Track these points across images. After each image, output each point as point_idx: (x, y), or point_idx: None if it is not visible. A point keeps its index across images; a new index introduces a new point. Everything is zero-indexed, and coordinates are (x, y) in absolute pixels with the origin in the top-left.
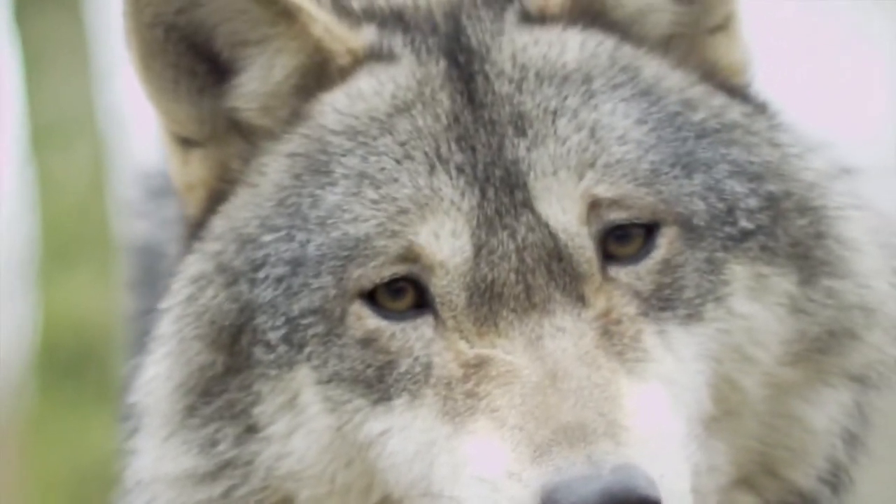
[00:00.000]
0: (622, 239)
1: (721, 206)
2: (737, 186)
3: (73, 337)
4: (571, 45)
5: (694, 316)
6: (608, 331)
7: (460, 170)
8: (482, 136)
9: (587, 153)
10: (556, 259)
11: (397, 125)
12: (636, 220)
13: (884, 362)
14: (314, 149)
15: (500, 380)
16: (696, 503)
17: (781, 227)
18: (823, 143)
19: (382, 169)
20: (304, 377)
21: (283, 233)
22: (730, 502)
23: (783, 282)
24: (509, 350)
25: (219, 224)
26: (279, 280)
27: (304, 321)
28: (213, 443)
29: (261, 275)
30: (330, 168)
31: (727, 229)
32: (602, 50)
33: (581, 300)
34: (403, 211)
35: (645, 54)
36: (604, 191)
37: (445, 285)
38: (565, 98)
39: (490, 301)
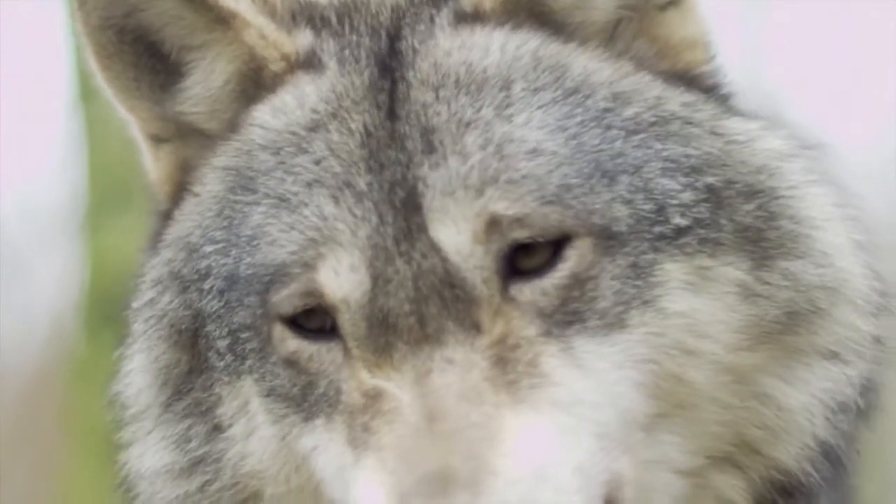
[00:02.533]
0: (529, 253)
1: (649, 206)
2: (670, 183)
3: (120, 283)
4: (493, 49)
5: (615, 325)
6: (503, 358)
7: (364, 193)
8: (392, 152)
9: (490, 170)
10: (450, 285)
11: (314, 142)
12: (539, 239)
13: (854, 338)
14: (243, 164)
15: (388, 416)
16: (642, 496)
17: (725, 216)
18: (780, 123)
19: (296, 192)
20: (249, 387)
21: (220, 245)
22: (709, 482)
23: (731, 271)
24: (400, 384)
25: (171, 230)
26: (221, 292)
27: (243, 335)
28: (187, 439)
29: (206, 285)
30: (255, 186)
31: (657, 229)
32: (525, 51)
33: (476, 327)
34: (311, 241)
35: (576, 48)
36: (504, 208)
37: (348, 318)
38: (479, 109)
39: (387, 332)
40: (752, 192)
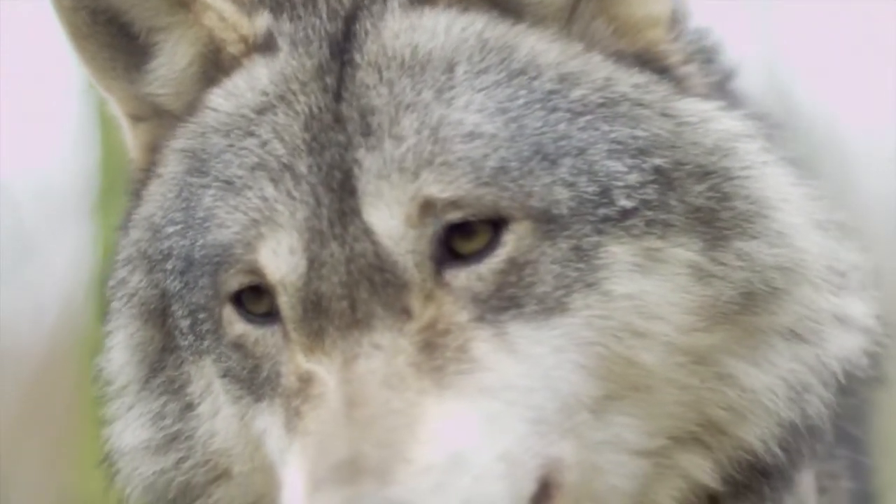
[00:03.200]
0: (467, 237)
1: (592, 188)
2: (615, 165)
3: None
4: (439, 30)
5: (555, 309)
6: (431, 344)
7: (303, 176)
8: (334, 134)
9: (424, 153)
10: (380, 270)
11: (261, 125)
12: (471, 219)
13: (814, 317)
14: (198, 146)
15: (315, 402)
16: (592, 477)
17: (675, 197)
18: (739, 103)
19: (241, 175)
20: (210, 367)
21: (179, 227)
22: (674, 462)
23: (682, 252)
24: (329, 369)
25: (139, 210)
26: (181, 273)
27: (199, 316)
28: (162, 416)
29: (168, 266)
30: (207, 168)
31: (601, 211)
32: (471, 32)
33: (405, 312)
34: (253, 222)
35: (526, 30)
36: (438, 191)
37: (286, 300)
38: (420, 91)
39: (320, 316)
40: (703, 174)
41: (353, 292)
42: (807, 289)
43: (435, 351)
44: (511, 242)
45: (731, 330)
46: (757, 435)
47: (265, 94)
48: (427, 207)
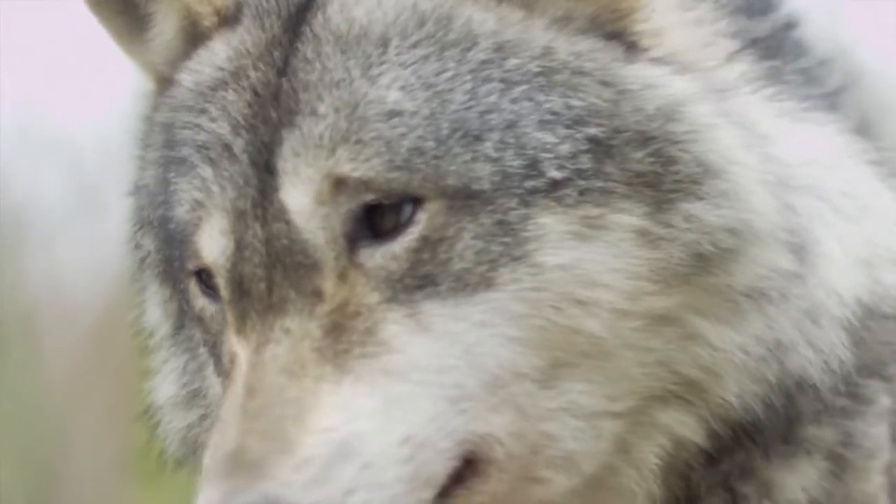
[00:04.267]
0: (384, 214)
1: (518, 162)
2: (546, 137)
3: None
4: (377, 4)
5: (479, 284)
6: (339, 326)
7: (238, 155)
8: (271, 111)
9: (342, 131)
10: (294, 251)
11: (213, 102)
12: (385, 201)
13: (773, 276)
14: (170, 120)
15: (230, 386)
16: (548, 446)
17: (613, 165)
18: (793, 52)
19: (191, 154)
20: (200, 334)
21: (161, 198)
22: (654, 420)
23: (625, 217)
24: (245, 354)
25: (141, 175)
26: (167, 242)
27: (181, 286)
28: (185, 373)
29: (162, 233)
30: (174, 144)
31: (529, 183)
32: (408, 5)
33: (317, 294)
34: (197, 203)
35: None
36: (350, 170)
37: (219, 282)
38: (349, 68)
39: (244, 298)
40: (644, 140)
41: (271, 274)
42: (760, 248)
43: (342, 334)
44: (424, 221)
45: (690, 291)
46: (734, 392)
47: (221, 69)
48: (339, 185)
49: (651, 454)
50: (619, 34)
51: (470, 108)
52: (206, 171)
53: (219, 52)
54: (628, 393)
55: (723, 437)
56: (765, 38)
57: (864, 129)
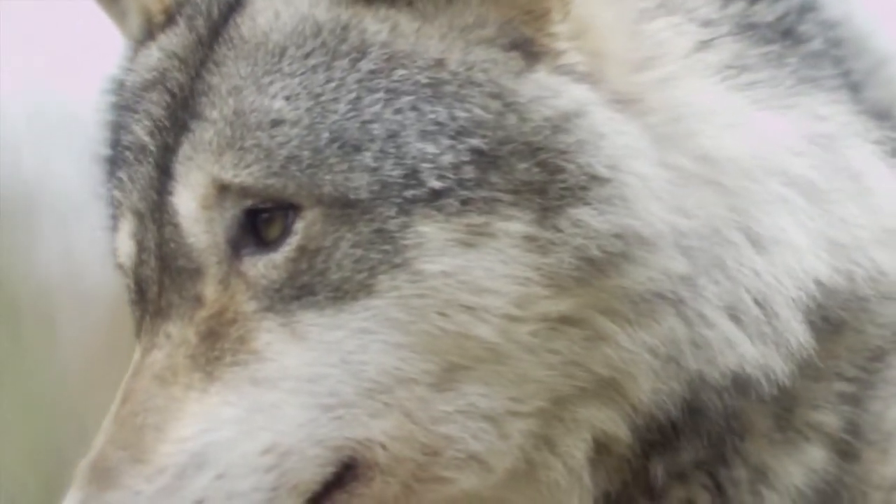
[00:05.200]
0: (268, 223)
1: (398, 171)
2: (428, 147)
3: None
4: (282, 12)
5: (358, 292)
6: (214, 333)
7: (147, 158)
8: (181, 114)
9: (227, 137)
10: (180, 255)
11: (141, 103)
12: (262, 206)
13: (665, 279)
14: (111, 119)
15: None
16: (447, 447)
17: (498, 175)
18: (803, 37)
19: (117, 155)
20: None
21: (107, 199)
22: (575, 417)
23: (511, 224)
24: (135, 358)
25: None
26: None
27: None
28: None
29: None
30: (113, 143)
31: (409, 193)
32: (308, 15)
33: (198, 300)
34: (118, 203)
35: (363, 9)
36: (232, 176)
37: (127, 283)
38: (247, 75)
39: (142, 301)
40: (530, 151)
41: (162, 278)
42: (648, 253)
43: (216, 342)
44: (301, 230)
45: (591, 294)
46: (648, 391)
47: (152, 70)
48: (223, 191)
49: (575, 448)
50: (525, 42)
51: (352, 118)
52: (124, 173)
53: (153, 53)
54: (535, 393)
55: (660, 430)
56: (767, 23)
57: (886, 109)
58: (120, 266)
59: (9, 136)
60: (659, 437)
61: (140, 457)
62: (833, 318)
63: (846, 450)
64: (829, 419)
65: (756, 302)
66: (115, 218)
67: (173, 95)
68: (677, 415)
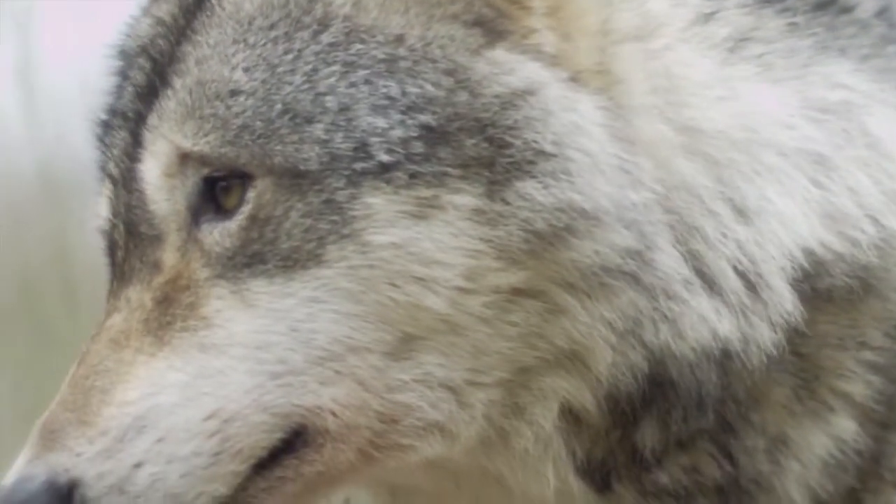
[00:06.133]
0: (226, 192)
1: (347, 144)
2: (378, 121)
3: None
4: None
5: (308, 261)
6: (168, 299)
7: (125, 124)
8: (156, 82)
9: (187, 107)
10: (143, 220)
11: (131, 69)
12: (216, 174)
13: (611, 254)
14: (109, 85)
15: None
16: (406, 415)
17: (446, 150)
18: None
19: (107, 120)
20: None
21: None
22: (541, 386)
23: (459, 197)
24: (99, 321)
25: None
26: None
27: None
28: None
29: None
30: (106, 108)
31: (358, 165)
32: None
33: (157, 266)
34: (101, 167)
35: None
36: (191, 145)
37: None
38: (215, 45)
39: (112, 266)
40: (479, 127)
41: (128, 243)
42: (594, 227)
43: (169, 307)
44: (253, 199)
45: (541, 266)
46: (608, 364)
47: (142, 37)
48: (184, 160)
49: (543, 417)
50: (490, 19)
51: (306, 89)
52: (109, 138)
53: (146, 20)
54: (495, 365)
55: (629, 402)
56: None
57: None
58: (98, 230)
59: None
60: (630, 408)
61: (84, 419)
62: (841, 287)
63: (882, 420)
64: (857, 389)
65: (737, 272)
66: (99, 182)
67: (155, 62)
68: (644, 387)
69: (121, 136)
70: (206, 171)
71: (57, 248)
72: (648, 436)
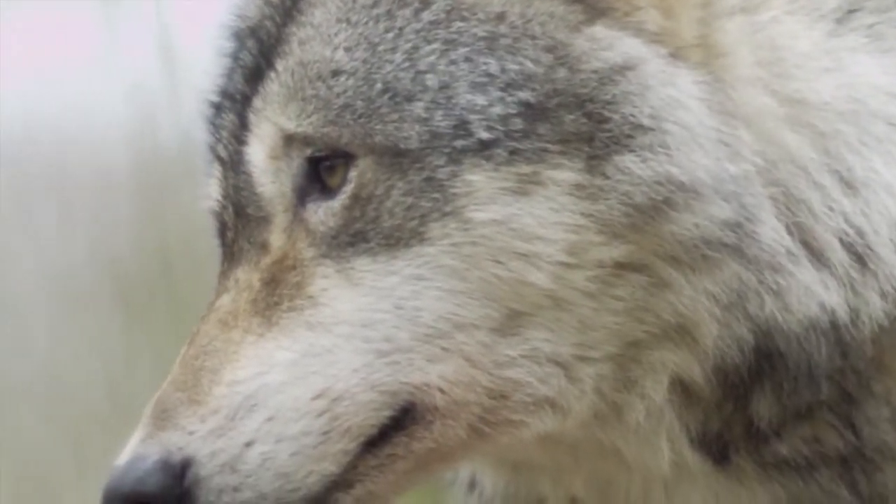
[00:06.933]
0: (331, 171)
1: (447, 122)
2: (477, 98)
3: None
4: None
5: (411, 239)
6: (275, 279)
7: (233, 106)
8: (262, 64)
9: (290, 89)
10: (251, 202)
11: (240, 52)
12: (318, 154)
13: (709, 226)
14: (217, 67)
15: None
16: (514, 391)
17: (546, 127)
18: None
19: (216, 101)
20: None
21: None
22: (651, 360)
23: (560, 173)
24: (210, 302)
25: None
26: None
27: None
28: None
29: None
30: (215, 90)
31: (458, 143)
32: None
33: (264, 247)
34: (210, 149)
35: None
36: (294, 126)
37: (214, 228)
38: (315, 24)
39: (223, 246)
40: (578, 102)
41: (237, 224)
42: (695, 200)
43: (276, 287)
44: (355, 179)
45: (643, 240)
46: (714, 337)
47: (251, 18)
48: (288, 142)
49: (654, 391)
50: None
51: (406, 68)
52: (218, 119)
53: (254, 2)
54: (603, 339)
55: (738, 374)
56: None
57: None
58: (209, 211)
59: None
60: (739, 380)
61: (196, 398)
62: None
63: None
64: None
65: (844, 245)
66: (209, 164)
67: (261, 44)
68: (751, 360)
69: (229, 119)
70: (309, 151)
71: (195, 223)
72: (763, 408)
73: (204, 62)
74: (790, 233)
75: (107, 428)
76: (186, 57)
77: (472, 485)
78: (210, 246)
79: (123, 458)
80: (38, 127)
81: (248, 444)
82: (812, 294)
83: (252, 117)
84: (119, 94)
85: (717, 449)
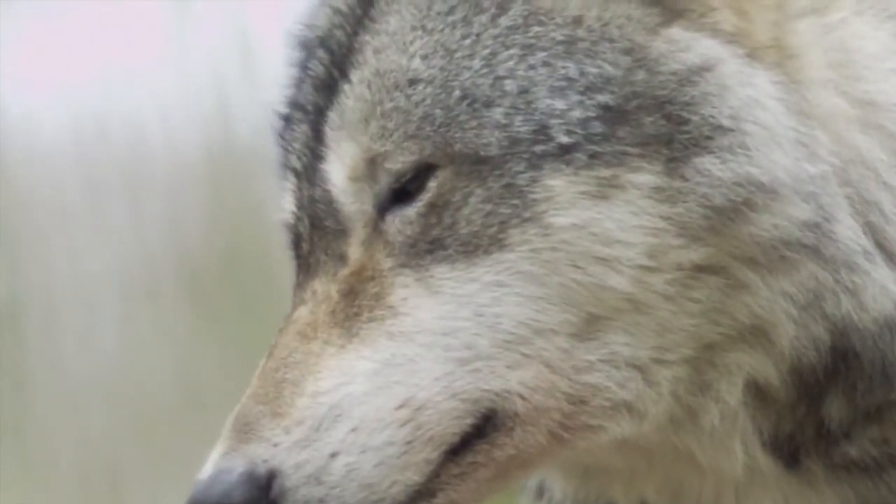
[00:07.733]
0: (410, 182)
1: (527, 127)
2: (557, 103)
3: None
4: None
5: (491, 246)
6: (354, 290)
7: (305, 118)
8: (335, 74)
9: (368, 102)
10: (328, 216)
11: (310, 62)
12: (400, 166)
13: (790, 227)
14: (287, 77)
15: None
16: (594, 396)
17: (625, 130)
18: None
19: (286, 113)
20: None
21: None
22: (726, 362)
23: (640, 176)
24: (288, 314)
25: None
26: None
27: None
28: None
29: None
30: (285, 101)
31: (538, 148)
32: None
33: (342, 258)
34: (281, 161)
35: None
36: (378, 147)
37: (287, 239)
38: (390, 32)
39: (298, 258)
40: (657, 104)
41: (313, 235)
42: (773, 201)
43: (355, 298)
44: (433, 189)
45: (722, 242)
46: (791, 337)
47: (320, 28)
48: (371, 163)
49: (728, 394)
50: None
51: (484, 74)
52: (289, 131)
53: (324, 10)
54: (681, 342)
55: (814, 375)
56: None
57: None
58: (282, 223)
59: None
60: (814, 381)
61: (279, 410)
62: None
63: None
64: None
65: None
66: (281, 176)
67: (332, 54)
68: (827, 360)
69: (301, 130)
70: (393, 173)
71: (266, 220)
72: (835, 409)
73: (280, 59)
74: (865, 232)
75: (175, 420)
76: (262, 53)
77: (539, 491)
78: (280, 244)
79: (207, 471)
80: (112, 123)
81: (333, 455)
82: (887, 292)
83: (329, 132)
84: (194, 91)
85: (788, 451)
